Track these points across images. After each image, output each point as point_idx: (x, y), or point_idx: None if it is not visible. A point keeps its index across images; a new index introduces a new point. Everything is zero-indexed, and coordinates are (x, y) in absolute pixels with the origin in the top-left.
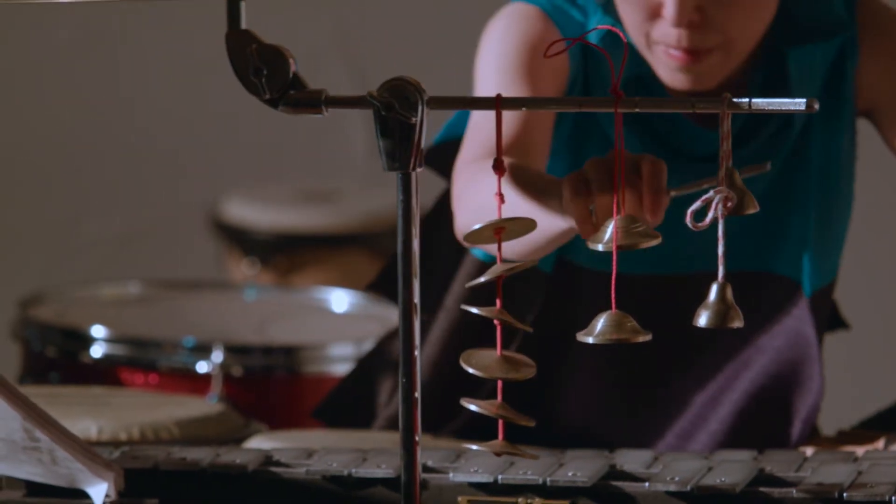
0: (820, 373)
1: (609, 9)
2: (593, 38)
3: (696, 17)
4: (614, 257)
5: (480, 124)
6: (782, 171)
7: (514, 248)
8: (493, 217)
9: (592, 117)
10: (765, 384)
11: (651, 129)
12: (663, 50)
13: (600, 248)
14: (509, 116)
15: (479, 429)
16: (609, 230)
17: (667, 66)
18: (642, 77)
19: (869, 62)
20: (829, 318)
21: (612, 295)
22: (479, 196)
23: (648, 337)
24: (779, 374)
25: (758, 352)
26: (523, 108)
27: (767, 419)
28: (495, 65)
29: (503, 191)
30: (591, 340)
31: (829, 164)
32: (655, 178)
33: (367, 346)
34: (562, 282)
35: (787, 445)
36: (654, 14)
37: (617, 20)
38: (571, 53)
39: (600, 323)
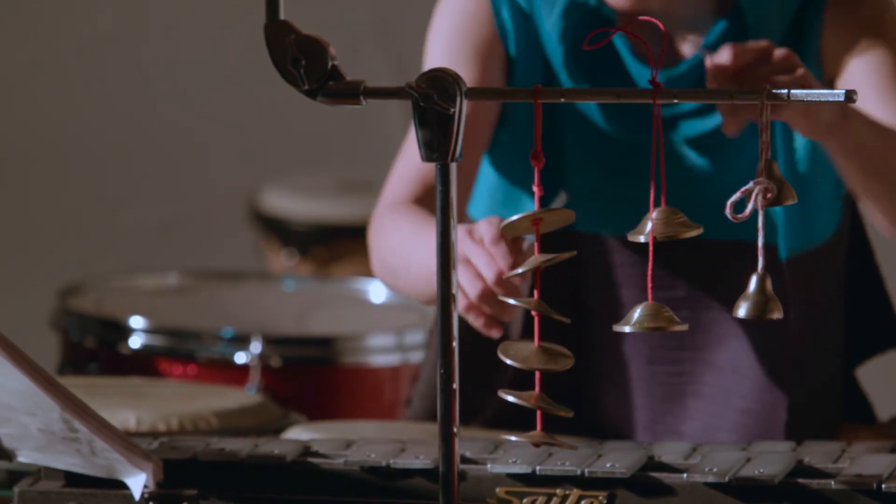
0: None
1: None
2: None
3: None
4: (650, 249)
5: (401, 165)
6: (747, 134)
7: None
8: (400, 264)
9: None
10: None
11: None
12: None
13: (641, 239)
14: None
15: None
16: (649, 221)
17: None
18: (593, 15)
19: (832, 28)
20: (886, 335)
21: (649, 285)
22: (384, 242)
23: (685, 326)
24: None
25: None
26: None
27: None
28: (445, 46)
29: (421, 231)
30: (627, 329)
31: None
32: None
33: (406, 336)
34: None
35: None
36: None
37: None
38: (500, 33)
39: (637, 312)
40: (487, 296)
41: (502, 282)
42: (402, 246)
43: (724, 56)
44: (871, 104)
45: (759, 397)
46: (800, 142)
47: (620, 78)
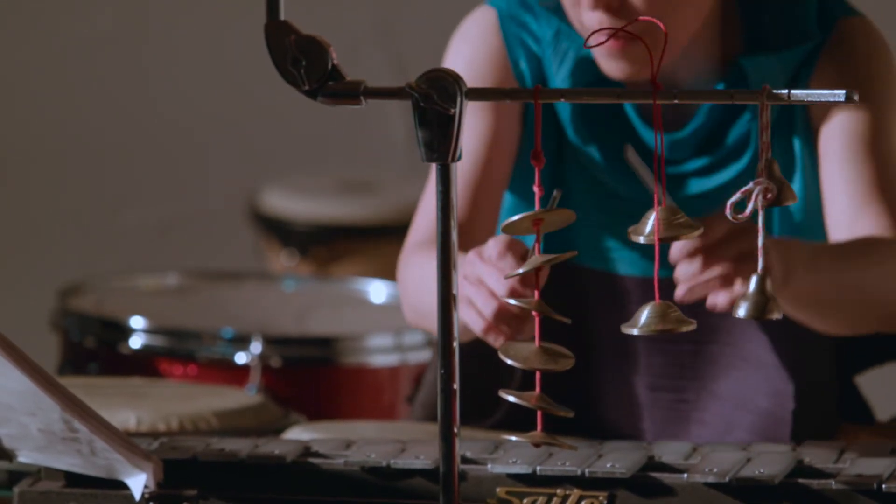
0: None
1: (560, 11)
2: (546, 36)
3: (614, 0)
4: (657, 250)
5: (426, 205)
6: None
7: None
8: (426, 302)
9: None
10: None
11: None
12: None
13: (642, 240)
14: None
15: (517, 422)
16: (650, 222)
17: (601, 53)
18: (602, 78)
19: (819, 80)
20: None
21: (656, 285)
22: (409, 283)
23: (693, 325)
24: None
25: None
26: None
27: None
28: None
29: (428, 271)
30: (635, 332)
31: (786, 174)
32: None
33: (406, 337)
34: (561, 282)
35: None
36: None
37: (565, 22)
38: (518, 78)
39: (644, 314)
40: (503, 313)
41: (517, 297)
42: (427, 284)
43: (693, 262)
44: (836, 164)
45: (762, 430)
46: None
47: (627, 141)
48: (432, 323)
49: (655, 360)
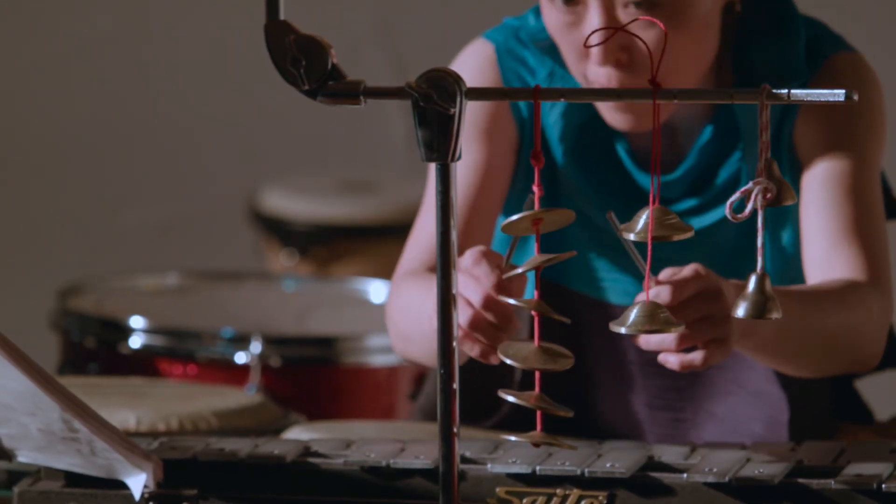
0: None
1: (553, 53)
2: (541, 74)
3: (623, 56)
4: (649, 246)
5: (417, 234)
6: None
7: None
8: (412, 327)
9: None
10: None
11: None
12: (592, 38)
13: (632, 237)
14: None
15: (517, 422)
16: (642, 220)
17: (605, 106)
18: (593, 118)
19: (805, 116)
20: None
21: (646, 283)
22: (396, 310)
23: (682, 326)
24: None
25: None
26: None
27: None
28: None
29: (432, 294)
30: (623, 330)
31: (779, 213)
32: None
33: None
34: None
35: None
36: (585, 54)
37: (559, 63)
38: (513, 109)
39: (633, 313)
40: (479, 322)
41: (492, 305)
42: (413, 309)
43: (663, 295)
44: (814, 203)
45: None
46: (786, 227)
47: (620, 182)
48: (418, 349)
49: (652, 383)
